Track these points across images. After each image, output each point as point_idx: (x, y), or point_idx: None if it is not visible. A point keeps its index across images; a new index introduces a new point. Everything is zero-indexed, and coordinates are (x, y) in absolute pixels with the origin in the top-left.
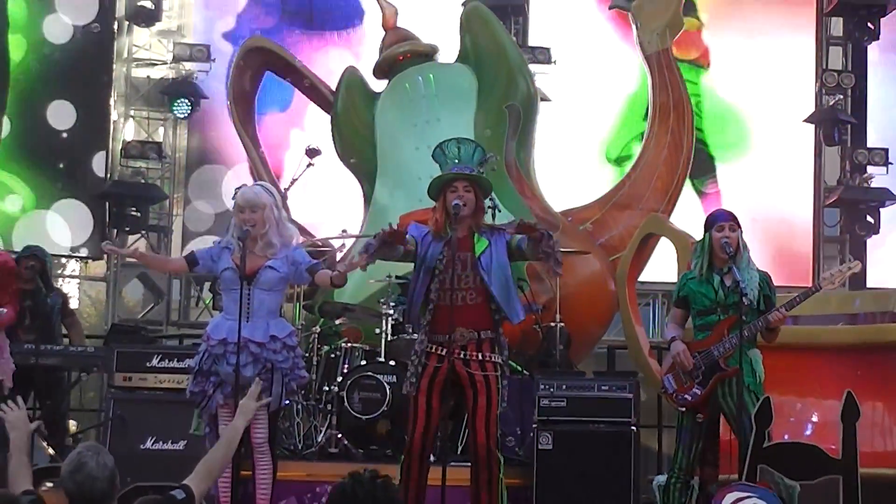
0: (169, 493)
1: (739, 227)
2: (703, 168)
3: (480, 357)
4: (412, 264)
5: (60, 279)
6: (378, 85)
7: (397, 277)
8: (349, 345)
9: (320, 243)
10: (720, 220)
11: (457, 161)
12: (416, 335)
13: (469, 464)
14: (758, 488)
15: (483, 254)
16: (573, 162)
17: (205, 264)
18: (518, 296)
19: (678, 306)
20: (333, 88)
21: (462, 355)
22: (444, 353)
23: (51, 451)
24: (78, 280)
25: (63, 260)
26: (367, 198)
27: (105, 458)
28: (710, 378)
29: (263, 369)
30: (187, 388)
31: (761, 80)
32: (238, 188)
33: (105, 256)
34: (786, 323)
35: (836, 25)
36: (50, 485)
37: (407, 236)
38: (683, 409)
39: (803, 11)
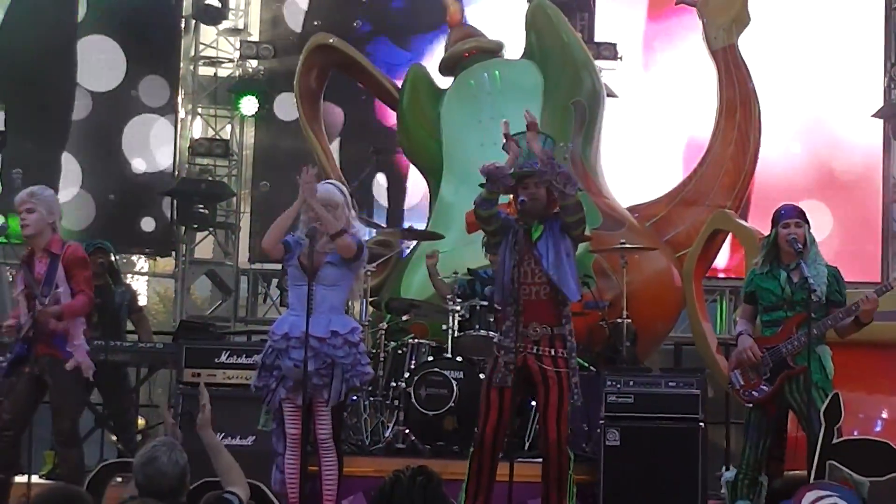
0: (224, 497)
1: (807, 222)
2: None
3: (553, 353)
4: (477, 260)
5: (129, 276)
6: (443, 81)
7: (469, 270)
8: (416, 341)
9: (386, 239)
10: (786, 217)
11: (527, 156)
12: (482, 331)
13: (536, 460)
14: (839, 487)
15: (539, 239)
16: (641, 158)
17: (291, 255)
18: (578, 279)
19: (747, 302)
20: (399, 85)
21: (535, 350)
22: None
23: (119, 446)
24: (146, 277)
25: (133, 257)
26: (433, 194)
27: (177, 454)
28: (778, 375)
29: (323, 364)
30: (252, 382)
31: (829, 75)
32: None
33: (173, 252)
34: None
35: None
36: (119, 479)
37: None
38: (751, 405)
39: (872, 4)
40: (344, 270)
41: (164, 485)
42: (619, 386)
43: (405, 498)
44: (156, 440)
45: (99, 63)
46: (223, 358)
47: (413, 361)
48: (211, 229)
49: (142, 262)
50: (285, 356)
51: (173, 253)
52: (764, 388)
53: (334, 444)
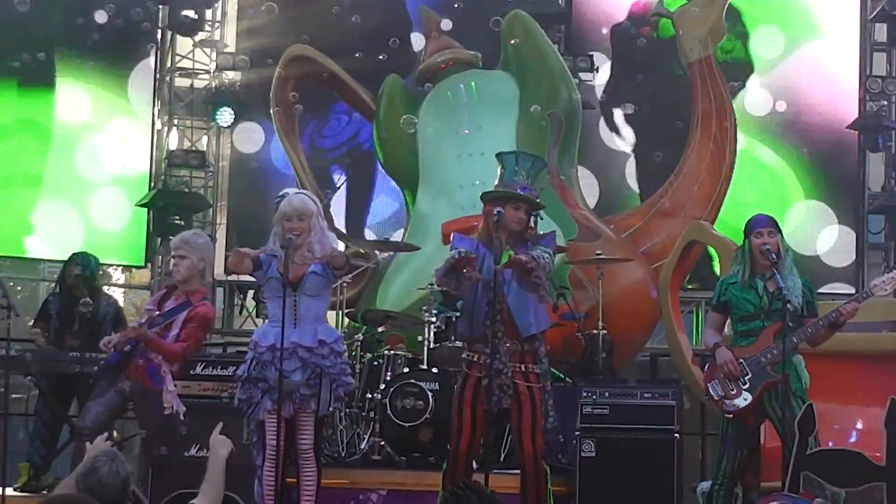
0: None
1: (779, 231)
2: None
3: (523, 368)
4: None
5: (106, 287)
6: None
7: None
8: (392, 352)
9: (363, 251)
10: (759, 226)
11: (517, 178)
12: (458, 343)
13: (511, 471)
14: (799, 499)
15: (505, 264)
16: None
17: (263, 270)
18: (539, 308)
19: (718, 311)
20: (375, 96)
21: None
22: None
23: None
24: (123, 289)
25: (109, 269)
26: (409, 205)
27: (118, 465)
28: (758, 385)
29: (312, 374)
30: (235, 396)
31: (804, 86)
32: (280, 196)
33: (149, 265)
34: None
35: (881, 31)
36: None
37: (463, 252)
38: (730, 415)
39: (847, 17)
40: (327, 280)
41: (105, 495)
42: (594, 397)
43: None
44: (98, 451)
45: None
46: (199, 369)
47: (389, 373)
48: None
49: (118, 274)
50: (272, 368)
51: (149, 264)
52: (746, 398)
53: (314, 455)
